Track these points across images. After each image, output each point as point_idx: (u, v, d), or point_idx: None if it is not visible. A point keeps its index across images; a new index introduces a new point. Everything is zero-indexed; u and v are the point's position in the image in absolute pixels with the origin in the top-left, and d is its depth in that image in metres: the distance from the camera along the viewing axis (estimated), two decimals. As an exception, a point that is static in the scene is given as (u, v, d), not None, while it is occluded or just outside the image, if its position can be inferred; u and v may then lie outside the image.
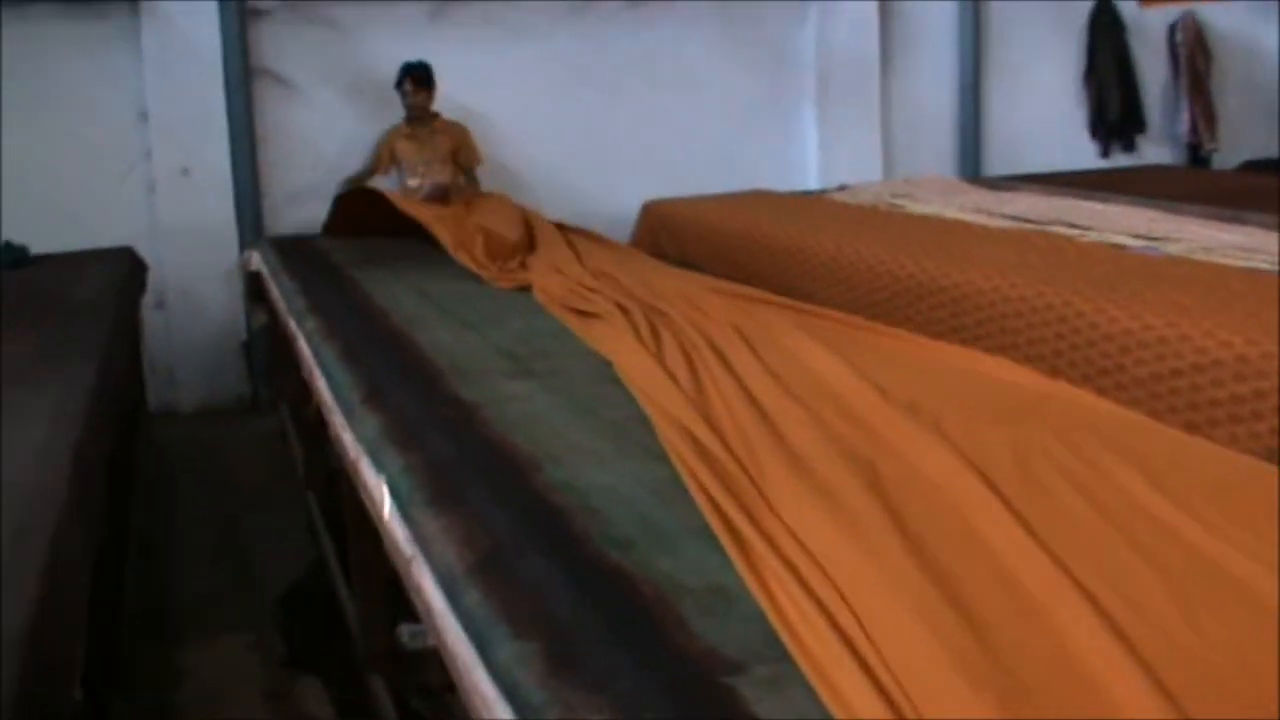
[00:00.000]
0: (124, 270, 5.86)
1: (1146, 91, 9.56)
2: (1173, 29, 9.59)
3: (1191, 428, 3.21)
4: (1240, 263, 4.34)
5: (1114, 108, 9.34)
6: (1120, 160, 9.37)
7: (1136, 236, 4.94)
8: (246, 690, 4.00)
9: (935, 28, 8.86)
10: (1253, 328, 3.37)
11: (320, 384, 3.42)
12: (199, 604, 4.67)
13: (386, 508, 2.38)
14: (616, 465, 2.39)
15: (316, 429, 5.16)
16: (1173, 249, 4.69)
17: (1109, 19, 9.31)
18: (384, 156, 7.28)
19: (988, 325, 4.16)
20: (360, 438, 2.78)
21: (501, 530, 2.00)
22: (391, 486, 2.38)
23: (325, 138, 7.43)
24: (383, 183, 7.20)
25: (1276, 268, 4.22)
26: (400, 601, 3.74)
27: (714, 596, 1.75)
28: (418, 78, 7.21)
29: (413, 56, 7.22)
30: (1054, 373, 3.72)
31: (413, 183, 7.22)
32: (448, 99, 7.36)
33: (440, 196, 7.09)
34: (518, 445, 2.50)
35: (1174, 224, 5.22)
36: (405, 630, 3.82)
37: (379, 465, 2.53)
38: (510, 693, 1.56)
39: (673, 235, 6.52)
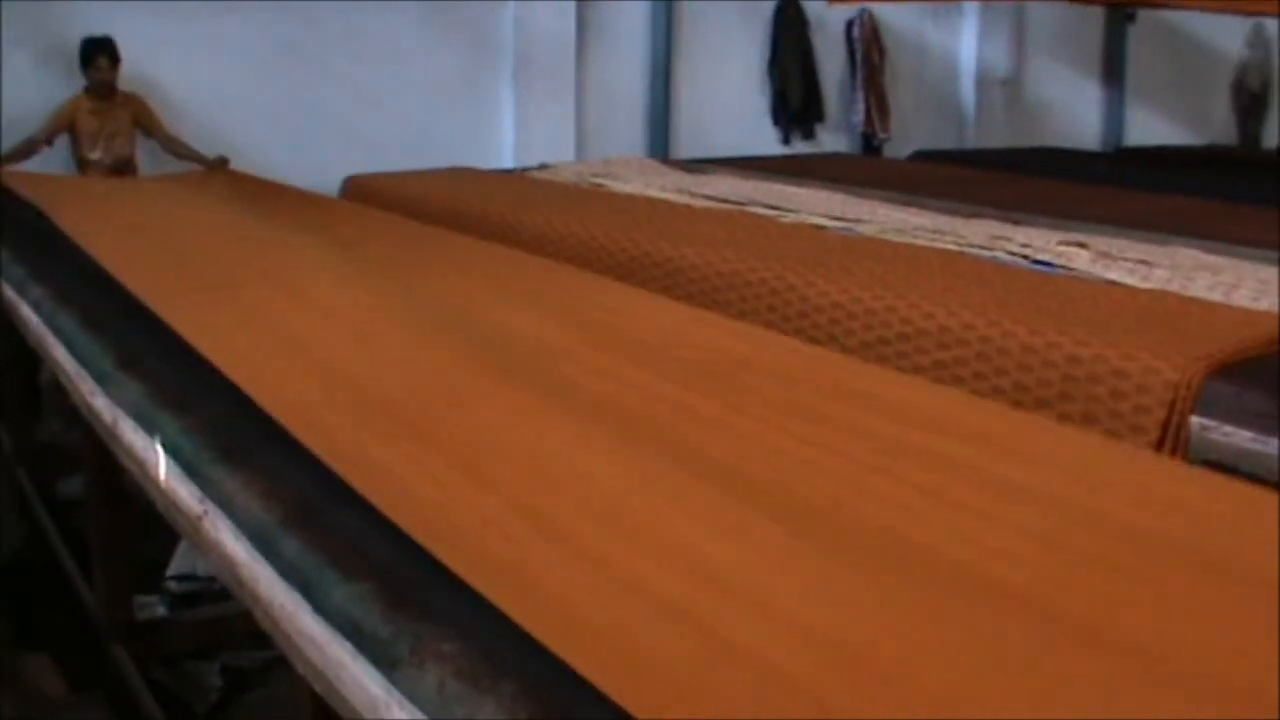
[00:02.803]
0: None
1: (826, 83, 10.05)
2: (850, 25, 10.10)
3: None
4: (931, 243, 4.68)
5: (795, 97, 9.80)
6: (800, 146, 9.84)
7: (833, 218, 5.24)
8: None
9: (630, 15, 9.15)
10: (951, 301, 3.66)
11: (59, 353, 3.36)
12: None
13: (163, 468, 2.40)
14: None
15: (25, 399, 5.06)
16: (867, 229, 5.00)
17: (793, 13, 9.78)
18: (61, 127, 7.13)
19: (700, 298, 4.35)
20: (120, 403, 2.77)
21: (304, 485, 2.07)
22: (169, 447, 2.40)
23: (16, 102, 7.18)
24: (48, 153, 7.11)
25: (961, 248, 4.59)
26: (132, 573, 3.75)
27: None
28: (113, 55, 7.12)
29: (112, 23, 7.10)
30: (769, 343, 3.97)
31: (94, 155, 7.13)
32: (146, 69, 7.24)
33: (123, 169, 7.14)
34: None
35: (864, 207, 5.56)
36: (137, 602, 3.83)
37: (149, 428, 2.54)
38: (350, 631, 1.63)
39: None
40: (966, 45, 10.83)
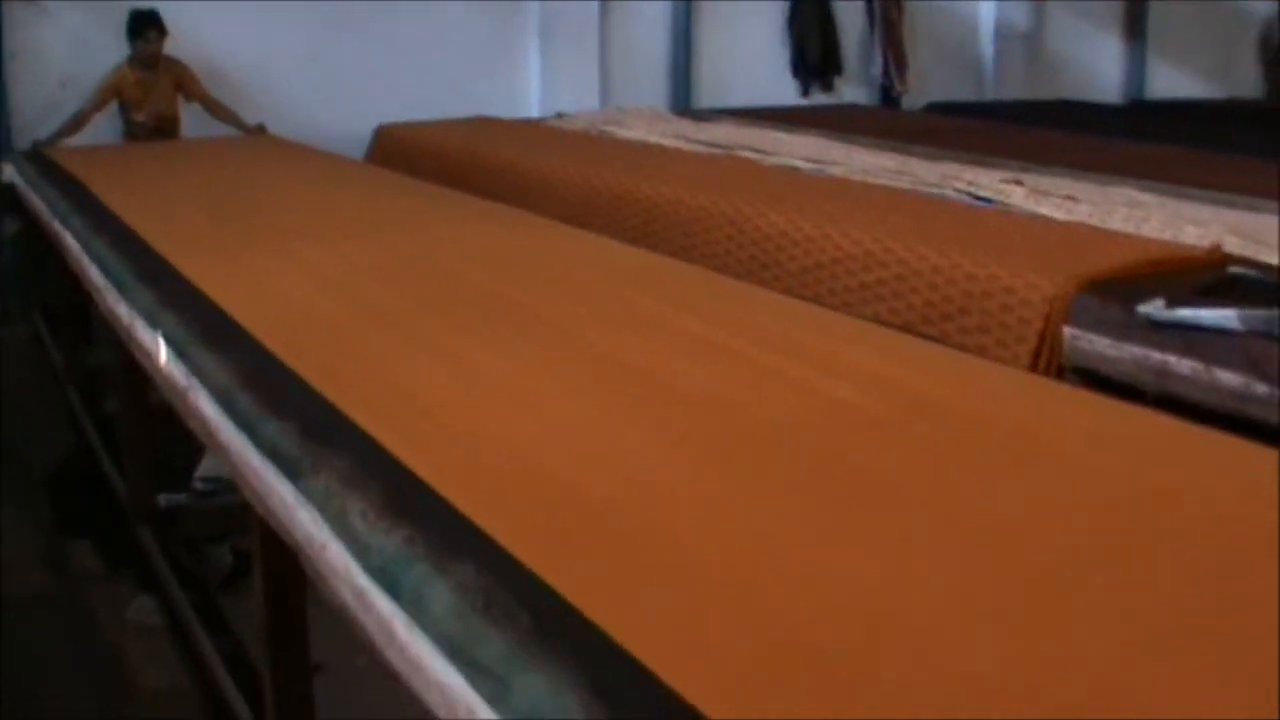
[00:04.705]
0: None
1: (845, 37, 10.40)
2: (868, -19, 10.46)
3: (834, 309, 3.95)
4: (887, 182, 5.12)
5: (814, 51, 10.15)
6: (819, 99, 10.20)
7: (809, 160, 5.68)
8: (22, 556, 4.48)
9: (653, -29, 9.54)
10: (878, 229, 4.11)
11: (92, 271, 3.89)
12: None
13: (163, 354, 2.92)
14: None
15: (77, 329, 5.62)
16: (836, 170, 5.44)
17: (811, -31, 10.12)
18: (107, 99, 7.55)
19: (672, 230, 4.82)
20: (135, 307, 3.29)
21: (263, 360, 2.57)
22: (167, 337, 2.92)
23: (72, 57, 7.71)
24: (100, 118, 7.57)
25: (914, 186, 5.03)
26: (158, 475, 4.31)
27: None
28: (162, 28, 7.52)
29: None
30: (724, 267, 4.44)
31: (139, 118, 7.55)
32: (188, 27, 7.70)
33: (165, 128, 7.63)
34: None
35: (843, 152, 5.99)
36: (163, 498, 4.39)
37: (154, 324, 3.06)
38: (274, 456, 2.13)
39: (404, 156, 7.03)
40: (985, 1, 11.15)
